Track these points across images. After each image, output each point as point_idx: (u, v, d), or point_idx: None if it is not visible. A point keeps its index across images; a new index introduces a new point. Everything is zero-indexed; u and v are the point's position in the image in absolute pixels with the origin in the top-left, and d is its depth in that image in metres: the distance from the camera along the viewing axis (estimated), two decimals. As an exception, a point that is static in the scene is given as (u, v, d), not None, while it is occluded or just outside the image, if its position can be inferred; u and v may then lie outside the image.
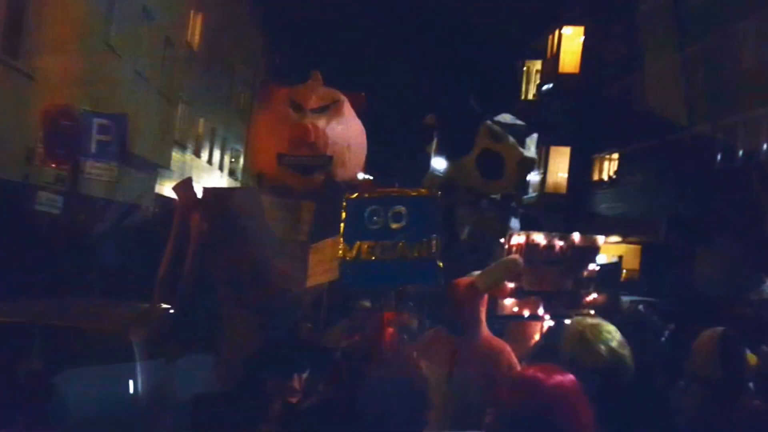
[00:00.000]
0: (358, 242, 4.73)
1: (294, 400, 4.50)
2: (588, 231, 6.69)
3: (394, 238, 4.69)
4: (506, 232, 6.68)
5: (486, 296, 4.82)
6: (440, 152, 7.54)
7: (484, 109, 7.36)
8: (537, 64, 35.98)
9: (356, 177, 6.86)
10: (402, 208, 4.73)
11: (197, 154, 28.22)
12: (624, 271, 20.78)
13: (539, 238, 6.07)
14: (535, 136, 7.47)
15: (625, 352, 3.64)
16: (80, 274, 9.18)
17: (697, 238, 22.02)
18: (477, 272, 4.97)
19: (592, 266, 6.11)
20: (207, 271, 5.66)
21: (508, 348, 4.64)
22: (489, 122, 7.09)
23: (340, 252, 4.73)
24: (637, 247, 25.86)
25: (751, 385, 4.43)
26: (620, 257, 19.68)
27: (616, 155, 29.48)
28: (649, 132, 25.61)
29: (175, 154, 23.82)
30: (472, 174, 7.01)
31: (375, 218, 4.75)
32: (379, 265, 4.66)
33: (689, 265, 22.01)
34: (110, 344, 4.89)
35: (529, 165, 7.16)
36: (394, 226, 4.72)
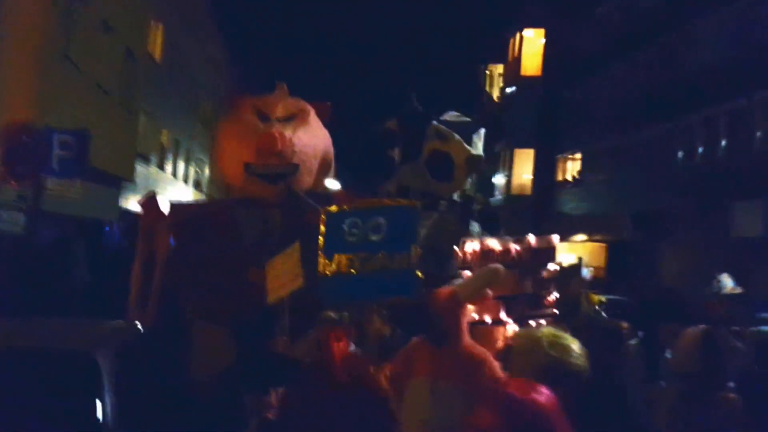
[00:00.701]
0: (337, 255, 4.67)
1: (271, 415, 4.47)
2: (554, 231, 6.67)
3: (373, 250, 4.64)
4: (466, 235, 6.68)
5: (467, 306, 4.72)
6: (401, 157, 7.53)
7: (428, 110, 7.37)
8: (499, 68, 36.28)
9: (325, 185, 6.83)
10: (381, 220, 4.69)
11: (161, 166, 27.97)
12: (589, 269, 21.00)
13: (493, 243, 6.05)
14: (482, 131, 7.49)
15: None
16: (45, 293, 9.04)
17: (661, 235, 22.38)
18: (458, 281, 4.91)
19: (551, 267, 6.08)
20: (177, 286, 5.59)
21: (491, 357, 4.56)
22: (435, 123, 7.14)
23: (320, 266, 4.65)
24: (603, 245, 26.17)
25: (731, 384, 4.44)
26: (580, 258, 19.87)
27: (579, 155, 29.83)
28: (611, 131, 25.97)
29: (139, 167, 23.57)
30: (424, 176, 7.03)
31: (354, 230, 4.69)
32: (359, 278, 4.60)
33: (654, 262, 22.35)
34: (77, 365, 4.73)
35: (476, 162, 7.14)
36: (374, 237, 4.67)
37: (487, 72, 37.29)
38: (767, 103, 18.36)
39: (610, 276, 23.39)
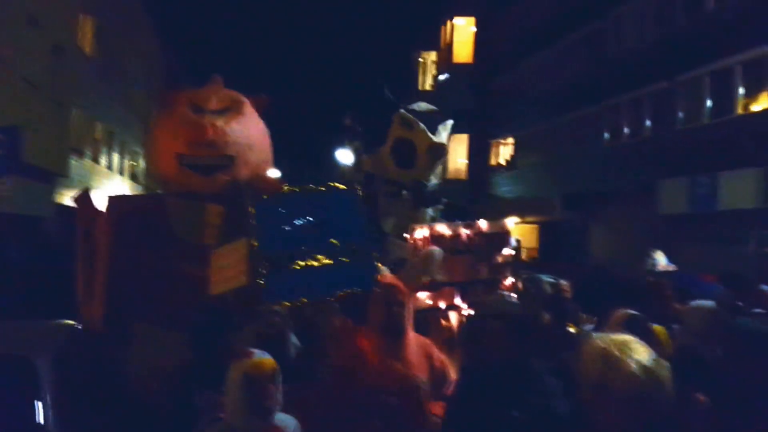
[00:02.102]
0: (278, 249, 4.26)
1: (224, 415, 4.14)
2: (488, 214, 6.71)
3: (320, 240, 4.27)
4: (422, 220, 6.68)
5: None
6: (364, 147, 7.52)
7: (398, 99, 7.30)
8: (432, 55, 36.66)
9: (263, 176, 6.65)
10: (321, 205, 4.35)
11: (96, 159, 27.57)
12: (524, 250, 21.49)
13: (442, 228, 6.00)
14: (449, 122, 7.29)
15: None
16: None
17: (590, 215, 23.04)
18: (386, 271, 4.68)
19: (506, 251, 6.04)
20: (121, 285, 5.31)
21: (431, 342, 4.53)
22: (402, 111, 7.07)
23: (261, 266, 4.24)
24: (535, 226, 26.80)
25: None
26: (518, 240, 20.35)
27: (511, 140, 30.40)
28: (541, 116, 26.57)
29: (73, 161, 23.23)
30: (387, 164, 6.96)
31: (293, 219, 4.32)
32: (308, 272, 4.22)
33: (584, 241, 23.02)
34: (15, 369, 4.52)
35: (438, 150, 6.94)
36: (317, 226, 4.32)
37: (421, 59, 37.66)
38: (688, 85, 19.04)
39: (542, 256, 23.99)
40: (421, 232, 5.98)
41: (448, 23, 33.25)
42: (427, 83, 36.78)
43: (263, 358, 3.80)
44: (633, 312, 4.64)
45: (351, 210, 4.47)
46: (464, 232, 6.02)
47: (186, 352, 4.69)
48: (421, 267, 4.91)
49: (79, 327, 5.33)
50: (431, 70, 36.54)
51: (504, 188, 30.26)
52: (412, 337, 4.40)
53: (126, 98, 31.87)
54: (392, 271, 5.11)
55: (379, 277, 4.54)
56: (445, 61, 33.62)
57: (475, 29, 32.34)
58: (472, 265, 5.88)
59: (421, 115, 7.04)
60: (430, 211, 7.17)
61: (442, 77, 33.98)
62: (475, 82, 31.37)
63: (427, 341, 4.52)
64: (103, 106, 27.44)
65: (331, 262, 4.28)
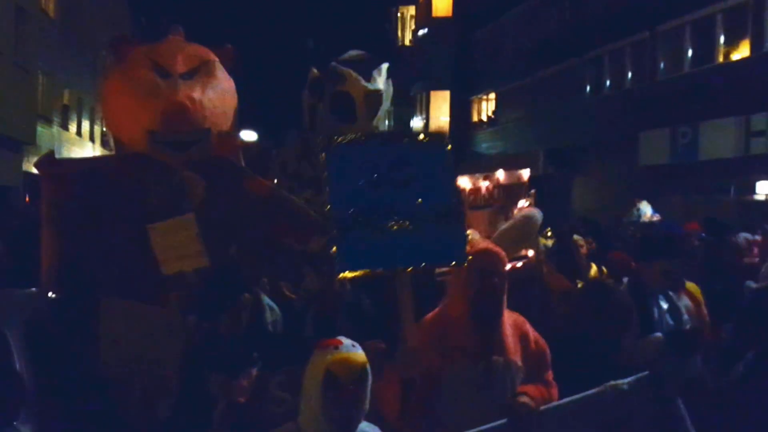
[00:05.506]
0: (352, 208, 3.48)
1: (242, 400, 3.97)
2: (472, 171, 6.37)
3: (404, 200, 3.54)
4: None
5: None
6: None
7: (324, 51, 6.97)
8: (411, 9, 36.06)
9: (228, 137, 6.32)
10: (407, 158, 3.60)
11: (64, 126, 27.06)
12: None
13: (464, 182, 5.60)
14: (383, 67, 6.99)
15: None
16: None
17: (574, 168, 22.98)
18: (476, 235, 3.95)
19: (521, 203, 5.42)
20: (76, 254, 5.01)
21: (524, 318, 3.90)
22: (333, 64, 6.76)
23: (330, 222, 3.48)
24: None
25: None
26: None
27: (492, 95, 30.07)
28: (523, 70, 26.24)
29: (41, 129, 22.78)
30: (328, 121, 6.66)
31: (372, 174, 3.54)
32: (388, 238, 3.49)
33: (568, 194, 22.96)
34: None
35: (374, 98, 6.60)
36: (403, 184, 3.58)
37: (399, 14, 37.05)
38: (669, 35, 18.91)
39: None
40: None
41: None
42: (407, 39, 36.24)
43: (353, 352, 3.02)
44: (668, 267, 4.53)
45: (438, 165, 3.66)
46: (483, 184, 5.64)
47: (205, 331, 4.39)
48: (517, 234, 4.16)
49: (51, 296, 5.03)
50: (410, 25, 35.97)
51: (486, 144, 30.02)
52: (506, 316, 3.73)
53: (94, 63, 31.15)
54: None
55: (472, 243, 3.75)
56: (424, 16, 33.07)
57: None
58: (493, 220, 5.43)
59: (353, 64, 6.67)
60: None
61: (421, 32, 33.43)
62: (455, 36, 30.87)
63: (521, 318, 3.84)
64: (70, 71, 26.85)
65: (415, 226, 3.52)
